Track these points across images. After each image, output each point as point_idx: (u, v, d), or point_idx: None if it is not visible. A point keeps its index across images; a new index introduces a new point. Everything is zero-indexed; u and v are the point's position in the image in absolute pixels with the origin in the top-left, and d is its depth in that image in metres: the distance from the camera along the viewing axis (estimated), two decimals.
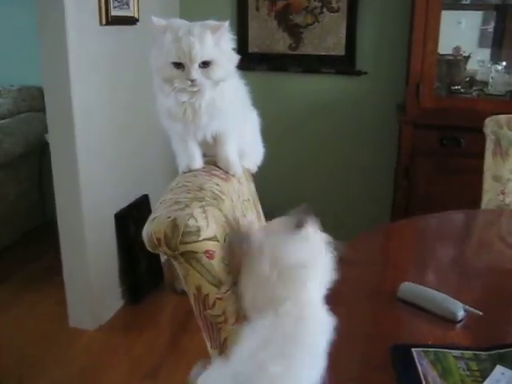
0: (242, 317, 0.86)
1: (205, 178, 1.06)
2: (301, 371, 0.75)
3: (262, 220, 1.37)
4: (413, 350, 0.93)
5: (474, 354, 0.92)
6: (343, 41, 2.88)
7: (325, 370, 0.76)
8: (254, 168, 1.30)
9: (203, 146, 1.13)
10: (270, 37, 2.98)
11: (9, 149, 3.05)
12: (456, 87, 2.63)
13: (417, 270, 1.32)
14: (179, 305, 2.64)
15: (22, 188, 3.29)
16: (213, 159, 1.15)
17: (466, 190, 2.02)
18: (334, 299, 0.86)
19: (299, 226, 0.89)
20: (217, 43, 1.02)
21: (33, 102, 3.48)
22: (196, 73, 1.00)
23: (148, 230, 0.85)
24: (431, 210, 1.64)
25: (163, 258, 2.86)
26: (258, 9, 2.96)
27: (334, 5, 2.85)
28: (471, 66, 2.72)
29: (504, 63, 2.63)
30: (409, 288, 1.12)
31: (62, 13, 2.09)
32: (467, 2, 2.77)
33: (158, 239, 0.84)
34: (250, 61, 2.97)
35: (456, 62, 2.68)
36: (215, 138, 1.12)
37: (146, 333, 2.45)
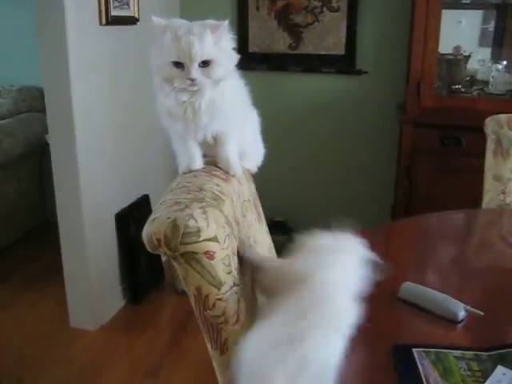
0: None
1: (205, 178, 1.06)
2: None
3: (263, 220, 1.37)
4: (414, 350, 0.92)
5: (475, 355, 0.92)
6: (343, 40, 2.88)
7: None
8: (254, 168, 1.30)
9: (203, 146, 1.13)
10: (270, 36, 2.98)
11: (9, 149, 3.05)
12: (456, 86, 2.63)
13: (417, 269, 1.32)
14: (180, 305, 2.64)
15: (22, 188, 3.29)
16: (213, 159, 1.15)
17: (467, 190, 2.02)
18: None
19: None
20: (217, 42, 1.02)
21: (33, 102, 3.49)
22: (196, 72, 1.00)
23: (148, 231, 0.85)
24: (432, 209, 1.64)
25: (164, 258, 2.86)
26: (258, 8, 2.96)
27: (334, 4, 2.85)
28: (472, 65, 2.72)
29: (504, 62, 2.62)
30: (409, 288, 1.12)
31: (62, 13, 2.09)
32: (467, 1, 2.77)
33: (158, 240, 0.83)
34: (250, 60, 2.97)
35: (456, 61, 2.68)
36: (215, 139, 1.12)
37: (147, 332, 2.46)
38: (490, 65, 2.66)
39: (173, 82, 1.02)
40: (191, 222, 0.83)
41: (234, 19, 2.98)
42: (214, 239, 0.86)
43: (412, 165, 2.50)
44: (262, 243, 1.29)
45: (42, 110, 2.64)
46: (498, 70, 2.60)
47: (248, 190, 1.26)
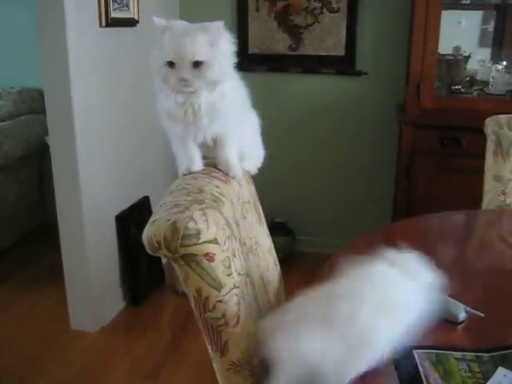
0: None
1: (205, 180, 1.06)
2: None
3: (263, 221, 1.37)
4: (414, 351, 0.92)
5: (476, 356, 0.92)
6: (343, 41, 2.88)
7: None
8: (254, 170, 1.30)
9: (203, 148, 1.13)
10: (270, 37, 2.98)
11: (9, 151, 3.06)
12: (456, 87, 2.63)
13: None
14: (180, 306, 2.64)
15: (23, 189, 3.29)
16: (213, 161, 1.15)
17: (467, 190, 2.02)
18: None
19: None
20: (212, 44, 1.01)
21: (33, 104, 3.49)
22: (187, 72, 1.00)
23: (148, 233, 0.85)
24: (432, 210, 1.64)
25: (164, 260, 2.86)
26: (257, 9, 2.96)
27: (334, 5, 2.85)
28: (471, 65, 2.72)
29: (504, 63, 2.62)
30: None
31: (61, 14, 2.09)
32: (467, 2, 2.77)
33: (158, 242, 0.83)
34: (250, 62, 2.97)
35: (456, 61, 2.68)
36: (215, 140, 1.12)
37: (147, 334, 2.45)
38: (489, 65, 2.66)
39: (168, 83, 1.02)
40: (191, 224, 0.83)
41: (234, 20, 2.98)
42: (214, 241, 0.86)
43: (412, 165, 2.50)
44: (263, 244, 1.29)
45: (42, 112, 2.64)
46: (497, 71, 2.60)
47: (248, 191, 1.26)
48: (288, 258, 2.96)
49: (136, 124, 2.65)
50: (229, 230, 0.93)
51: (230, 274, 0.90)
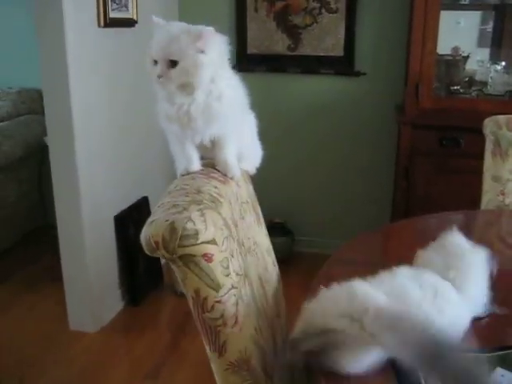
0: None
1: (203, 180, 1.06)
2: None
3: (262, 222, 1.37)
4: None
5: (475, 356, 0.92)
6: (342, 41, 2.89)
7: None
8: (252, 170, 1.30)
9: (201, 149, 1.13)
10: (268, 38, 2.99)
11: (8, 151, 3.06)
12: (455, 87, 2.63)
13: None
14: (179, 306, 2.64)
15: (22, 190, 3.29)
16: (211, 162, 1.15)
17: (466, 191, 2.02)
18: None
19: None
20: (195, 47, 1.01)
21: (32, 104, 3.49)
22: (161, 69, 1.02)
23: (146, 234, 0.85)
24: (430, 210, 1.64)
25: (163, 260, 2.85)
26: (256, 10, 2.96)
27: (333, 5, 2.86)
28: (470, 66, 2.72)
29: (503, 63, 2.62)
30: None
31: (60, 15, 2.09)
32: (466, 2, 2.77)
33: (156, 242, 0.83)
34: (248, 62, 2.98)
35: (455, 62, 2.68)
36: (214, 142, 1.12)
37: (146, 334, 2.45)
38: (488, 65, 2.66)
39: (153, 80, 1.04)
40: (189, 225, 0.83)
41: (233, 21, 2.98)
42: (212, 242, 0.86)
43: (410, 166, 2.50)
44: (261, 245, 1.29)
45: (41, 112, 2.64)
46: (496, 71, 2.60)
47: (246, 191, 1.26)
48: (287, 259, 2.96)
49: (135, 124, 2.65)
50: (227, 230, 0.93)
51: (228, 275, 0.90)
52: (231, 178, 1.14)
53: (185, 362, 2.25)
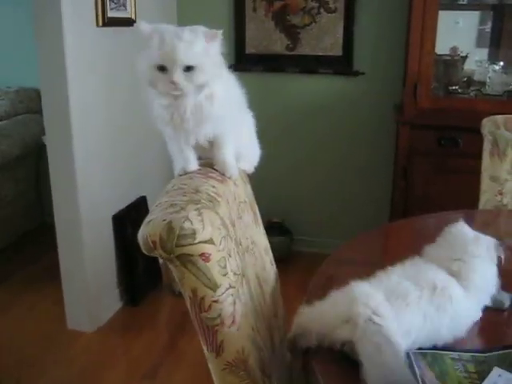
0: None
1: (201, 180, 1.06)
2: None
3: (260, 221, 1.37)
4: (410, 351, 0.92)
5: (472, 356, 0.92)
6: (340, 41, 2.89)
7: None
8: (250, 169, 1.30)
9: (199, 149, 1.13)
10: (267, 37, 2.98)
11: (6, 150, 3.05)
12: (453, 87, 2.63)
13: None
14: (177, 306, 2.64)
15: (20, 189, 3.29)
16: (209, 161, 1.15)
17: (464, 191, 2.01)
18: None
19: None
20: (203, 49, 1.01)
21: (30, 103, 3.48)
22: (178, 76, 1.00)
23: (143, 233, 0.85)
24: (429, 210, 1.64)
25: (161, 260, 2.85)
26: (255, 10, 2.96)
27: (331, 5, 2.85)
28: (469, 66, 2.72)
29: (501, 63, 2.63)
30: None
31: (58, 14, 2.09)
32: (464, 2, 2.77)
33: (154, 242, 0.83)
34: (247, 62, 2.98)
35: (453, 62, 2.68)
36: (212, 141, 1.12)
37: (144, 334, 2.45)
38: (486, 65, 2.66)
39: (157, 86, 1.02)
40: (187, 224, 0.83)
41: (231, 20, 2.98)
42: (210, 241, 0.86)
43: (409, 166, 2.50)
44: (259, 244, 1.29)
45: (39, 112, 2.64)
46: (494, 71, 2.60)
47: (244, 191, 1.26)
48: (285, 258, 2.97)
49: (133, 124, 2.65)
50: (224, 229, 0.93)
51: (225, 274, 0.90)
52: (229, 178, 1.14)
53: (182, 362, 2.25)
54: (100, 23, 2.31)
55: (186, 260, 0.86)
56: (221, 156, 1.13)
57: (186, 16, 2.98)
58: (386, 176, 2.89)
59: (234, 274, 0.94)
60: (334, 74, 2.95)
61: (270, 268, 1.34)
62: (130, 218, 2.64)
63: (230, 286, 0.91)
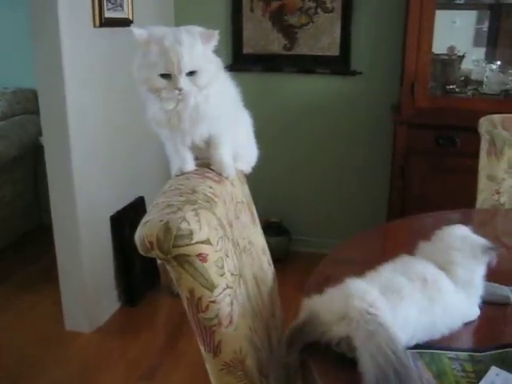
0: None
1: (198, 180, 1.05)
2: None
3: (257, 221, 1.37)
4: (408, 351, 0.92)
5: (469, 355, 0.92)
6: (338, 41, 2.89)
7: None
8: (247, 169, 1.30)
9: (195, 149, 1.13)
10: (264, 37, 2.98)
11: (3, 151, 3.05)
12: (451, 87, 2.63)
13: None
14: (175, 307, 2.63)
15: (17, 190, 3.28)
16: (206, 161, 1.15)
17: (461, 190, 2.02)
18: None
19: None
20: (205, 51, 1.02)
21: (27, 104, 3.48)
22: (184, 82, 1.00)
23: (140, 234, 0.85)
24: (426, 209, 1.64)
25: (159, 261, 2.85)
26: (252, 10, 2.96)
27: (329, 5, 2.86)
28: (466, 65, 2.73)
29: (498, 62, 2.63)
30: None
31: (55, 15, 2.08)
32: (461, 2, 2.78)
33: (151, 243, 0.83)
34: (244, 62, 2.97)
35: (451, 61, 2.68)
36: (208, 142, 1.12)
37: (142, 335, 2.45)
38: (484, 65, 2.66)
39: (160, 93, 1.02)
40: (184, 225, 0.83)
41: (229, 20, 2.98)
42: (207, 241, 0.86)
43: (406, 165, 2.50)
44: (256, 244, 1.29)
45: (37, 112, 2.64)
46: (492, 70, 2.60)
47: (241, 191, 1.26)
48: (283, 258, 2.97)
49: (131, 124, 2.64)
50: (222, 230, 0.93)
51: (222, 275, 0.90)
52: (226, 178, 1.13)
53: (180, 363, 2.24)
54: (97, 24, 2.31)
55: (183, 260, 0.85)
56: (218, 156, 1.13)
57: (183, 16, 2.98)
58: (384, 176, 2.89)
59: (232, 274, 0.94)
60: (332, 74, 2.95)
61: (267, 268, 1.34)
62: (127, 218, 2.63)
63: (228, 287, 0.91)
